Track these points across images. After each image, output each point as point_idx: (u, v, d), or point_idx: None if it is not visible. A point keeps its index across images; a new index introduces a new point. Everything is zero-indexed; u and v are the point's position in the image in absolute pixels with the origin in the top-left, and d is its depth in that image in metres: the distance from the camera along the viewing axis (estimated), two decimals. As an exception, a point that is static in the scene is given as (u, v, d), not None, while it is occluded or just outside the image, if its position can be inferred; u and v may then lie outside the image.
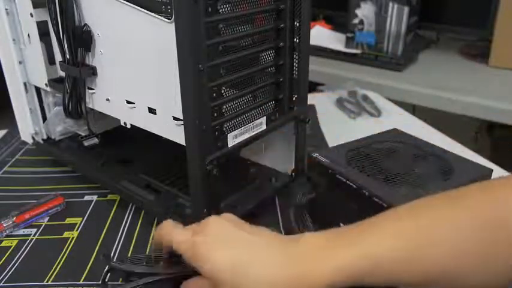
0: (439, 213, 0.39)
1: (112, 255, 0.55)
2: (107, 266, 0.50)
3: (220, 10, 0.46)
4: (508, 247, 0.36)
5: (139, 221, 0.62)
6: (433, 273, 0.37)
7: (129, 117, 0.57)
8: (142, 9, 0.47)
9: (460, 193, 0.40)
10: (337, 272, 0.36)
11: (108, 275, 0.50)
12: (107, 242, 0.58)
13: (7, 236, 0.59)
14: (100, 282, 0.50)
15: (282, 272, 0.37)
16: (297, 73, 0.58)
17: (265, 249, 0.40)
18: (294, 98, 0.59)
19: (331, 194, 0.56)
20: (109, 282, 0.50)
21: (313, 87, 1.39)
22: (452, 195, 0.41)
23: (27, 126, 0.74)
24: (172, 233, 0.43)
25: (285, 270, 0.37)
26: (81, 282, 0.51)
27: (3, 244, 0.58)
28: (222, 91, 0.50)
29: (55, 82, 0.65)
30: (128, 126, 0.57)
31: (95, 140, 0.70)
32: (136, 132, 0.56)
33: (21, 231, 0.60)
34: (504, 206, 0.37)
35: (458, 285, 0.37)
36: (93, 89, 0.60)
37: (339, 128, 0.89)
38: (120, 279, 0.50)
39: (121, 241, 0.58)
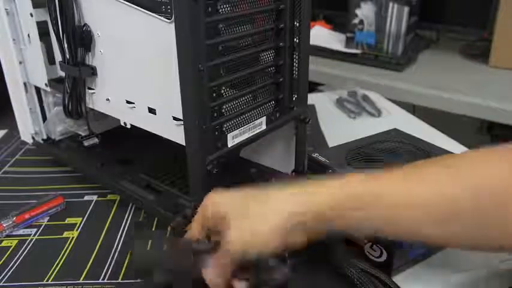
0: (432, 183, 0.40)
1: (112, 255, 0.55)
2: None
3: (220, 10, 0.46)
4: (501, 216, 0.38)
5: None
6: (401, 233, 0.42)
7: (129, 117, 0.57)
8: (143, 9, 0.47)
9: (456, 161, 0.43)
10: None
11: None
12: (107, 242, 0.58)
13: (7, 236, 0.59)
14: None
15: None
16: (297, 73, 0.58)
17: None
18: (294, 98, 0.59)
19: (331, 194, 0.55)
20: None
21: (313, 87, 1.39)
22: (449, 162, 0.43)
23: (27, 126, 0.74)
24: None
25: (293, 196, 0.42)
26: (81, 281, 0.51)
27: (3, 244, 0.58)
28: (222, 91, 0.50)
29: (55, 82, 0.65)
30: (128, 126, 0.57)
31: (95, 140, 0.70)
32: (136, 132, 0.56)
33: (21, 231, 0.60)
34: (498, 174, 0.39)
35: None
36: (93, 89, 0.60)
37: (339, 128, 0.89)
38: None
39: (121, 241, 0.58)
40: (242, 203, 0.43)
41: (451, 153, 0.59)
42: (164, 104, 0.51)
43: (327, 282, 0.50)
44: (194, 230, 0.46)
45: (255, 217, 0.41)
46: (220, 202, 0.44)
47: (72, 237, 0.59)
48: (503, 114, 1.12)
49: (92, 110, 0.62)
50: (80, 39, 0.56)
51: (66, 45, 0.57)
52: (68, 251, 0.56)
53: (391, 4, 1.32)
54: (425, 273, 0.52)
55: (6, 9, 0.64)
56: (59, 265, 0.54)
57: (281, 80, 0.56)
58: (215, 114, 0.49)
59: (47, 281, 0.52)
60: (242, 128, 0.53)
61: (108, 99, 0.58)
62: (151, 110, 0.53)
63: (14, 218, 0.60)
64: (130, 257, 0.52)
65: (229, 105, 0.51)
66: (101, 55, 0.56)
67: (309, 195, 0.42)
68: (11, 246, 0.57)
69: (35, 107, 0.72)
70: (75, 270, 0.53)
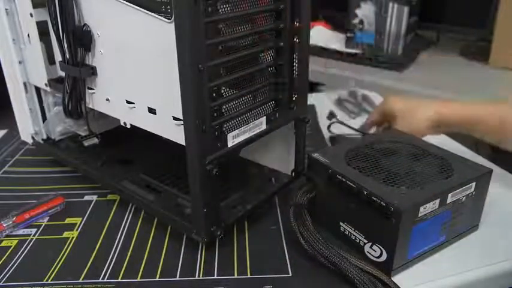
0: None
1: (112, 255, 0.55)
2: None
3: (220, 10, 0.46)
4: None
5: (139, 221, 0.62)
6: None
7: (129, 117, 0.57)
8: (142, 9, 0.47)
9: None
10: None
11: None
12: (106, 242, 0.58)
13: (7, 236, 0.59)
14: None
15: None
16: (297, 73, 0.58)
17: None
18: (294, 98, 0.59)
19: (331, 193, 0.56)
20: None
21: (313, 87, 1.39)
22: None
23: (27, 126, 0.74)
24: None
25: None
26: (80, 280, 0.51)
27: (3, 244, 0.58)
28: (222, 91, 0.50)
29: (55, 82, 0.65)
30: (128, 126, 0.57)
31: (95, 140, 0.70)
32: (137, 132, 0.56)
33: (21, 231, 0.60)
34: None
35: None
36: (93, 89, 0.60)
37: (339, 128, 0.89)
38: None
39: (121, 241, 0.58)
40: (407, 108, 0.72)
41: (451, 153, 0.59)
42: (164, 104, 0.51)
43: (327, 282, 0.50)
44: (374, 115, 0.81)
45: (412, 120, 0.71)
46: (394, 104, 0.74)
47: (72, 237, 0.59)
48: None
49: (92, 110, 0.62)
50: (80, 39, 0.56)
51: (66, 45, 0.57)
52: (67, 251, 0.56)
53: (391, 4, 1.32)
54: (425, 273, 0.52)
55: (6, 9, 0.64)
56: (59, 265, 0.54)
57: (281, 80, 0.56)
58: (215, 114, 0.49)
59: (47, 280, 0.52)
60: (242, 128, 0.53)
61: (108, 99, 0.58)
62: (151, 110, 0.53)
63: (14, 218, 0.60)
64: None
65: (229, 105, 0.51)
66: (101, 55, 0.56)
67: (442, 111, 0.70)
68: (11, 246, 0.57)
69: (35, 107, 0.72)
70: (75, 270, 0.53)
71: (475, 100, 0.72)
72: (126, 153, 0.72)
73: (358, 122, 0.94)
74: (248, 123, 0.54)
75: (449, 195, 0.51)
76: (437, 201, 0.50)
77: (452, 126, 0.70)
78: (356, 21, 1.40)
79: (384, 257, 0.50)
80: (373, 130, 0.82)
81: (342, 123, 0.90)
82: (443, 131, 0.76)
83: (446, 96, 1.17)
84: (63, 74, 0.61)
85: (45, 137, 0.75)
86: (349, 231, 0.54)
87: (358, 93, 1.05)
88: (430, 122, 0.70)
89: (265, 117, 0.56)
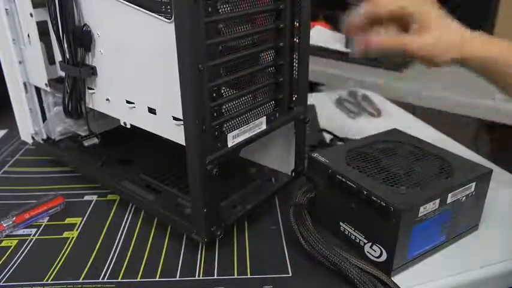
0: None
1: (112, 255, 0.55)
2: None
3: (220, 10, 0.46)
4: None
5: (139, 221, 0.62)
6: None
7: (129, 117, 0.57)
8: (142, 9, 0.47)
9: None
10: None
11: None
12: (106, 242, 0.58)
13: (7, 236, 0.59)
14: None
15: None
16: (297, 73, 0.58)
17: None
18: (294, 98, 0.59)
19: (331, 193, 0.56)
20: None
21: (313, 87, 1.39)
22: None
23: (27, 126, 0.74)
24: None
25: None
26: (80, 280, 0.51)
27: (3, 244, 0.58)
28: (222, 91, 0.50)
29: (55, 82, 0.65)
30: (128, 126, 0.57)
31: (95, 140, 0.70)
32: (137, 132, 0.56)
33: (21, 231, 0.60)
34: None
35: None
36: (93, 89, 0.60)
37: (339, 128, 0.89)
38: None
39: (121, 241, 0.58)
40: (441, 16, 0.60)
41: (451, 153, 0.59)
42: (164, 104, 0.51)
43: (327, 283, 0.50)
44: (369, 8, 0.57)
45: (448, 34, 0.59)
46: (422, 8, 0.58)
47: (72, 237, 0.59)
48: (503, 114, 1.12)
49: (92, 110, 0.62)
50: (80, 39, 0.56)
51: (66, 45, 0.57)
52: (67, 251, 0.56)
53: (391, 4, 1.32)
54: (425, 273, 0.52)
55: (6, 9, 0.64)
56: (59, 265, 0.54)
57: (281, 80, 0.56)
58: (215, 114, 0.49)
59: (47, 280, 0.52)
60: (242, 128, 0.53)
61: (108, 99, 0.58)
62: (151, 110, 0.53)
63: (14, 218, 0.60)
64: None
65: (229, 105, 0.51)
66: (101, 55, 0.56)
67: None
68: (11, 246, 0.57)
69: (35, 107, 0.72)
70: (75, 270, 0.53)
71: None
72: (126, 153, 0.72)
73: (358, 122, 0.94)
74: (248, 123, 0.54)
75: (449, 195, 0.51)
76: (437, 201, 0.50)
77: (477, 61, 0.59)
78: (356, 21, 1.39)
79: (384, 257, 0.50)
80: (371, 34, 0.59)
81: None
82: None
83: (446, 96, 1.18)
84: (63, 74, 0.61)
85: (45, 137, 0.75)
86: (349, 231, 0.54)
87: (358, 93, 1.05)
88: (459, 47, 0.58)
89: (265, 117, 0.56)
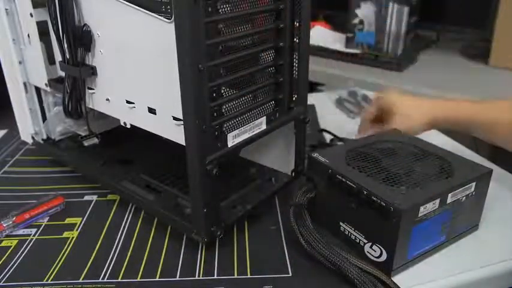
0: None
1: (112, 255, 0.55)
2: None
3: (220, 10, 0.46)
4: None
5: (139, 221, 0.62)
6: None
7: (129, 117, 0.57)
8: (142, 9, 0.47)
9: None
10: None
11: None
12: (106, 242, 0.58)
13: (7, 236, 0.59)
14: None
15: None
16: (297, 73, 0.58)
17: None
18: (294, 98, 0.59)
19: (331, 193, 0.56)
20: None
21: (313, 87, 1.39)
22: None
23: (27, 126, 0.74)
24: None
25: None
26: (80, 280, 0.51)
27: (3, 244, 0.58)
28: (222, 91, 0.50)
29: (55, 82, 0.65)
30: (128, 126, 0.57)
31: (95, 140, 0.70)
32: (137, 132, 0.56)
33: (21, 231, 0.60)
34: None
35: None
36: (93, 89, 0.60)
37: (339, 128, 0.89)
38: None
39: (121, 241, 0.58)
40: (405, 105, 0.72)
41: (451, 153, 0.59)
42: (164, 104, 0.51)
43: (327, 282, 0.50)
44: (371, 109, 0.77)
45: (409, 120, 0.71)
46: (393, 98, 0.73)
47: (72, 237, 0.59)
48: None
49: (92, 110, 0.62)
50: (80, 39, 0.56)
51: (66, 45, 0.57)
52: (67, 251, 0.56)
53: (391, 4, 1.32)
54: (425, 273, 0.52)
55: (6, 9, 0.64)
56: (59, 265, 0.54)
57: (281, 80, 0.56)
58: (215, 114, 0.49)
59: (47, 280, 0.52)
60: (242, 128, 0.53)
61: (108, 99, 0.58)
62: (151, 110, 0.53)
63: (14, 218, 0.60)
64: None
65: (229, 105, 0.51)
66: (101, 55, 0.56)
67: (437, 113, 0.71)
68: (11, 246, 0.57)
69: (35, 107, 0.72)
70: (75, 270, 0.53)
71: (473, 99, 0.73)
72: (126, 153, 0.72)
73: (358, 122, 0.94)
74: (248, 123, 0.54)
75: (449, 195, 0.51)
76: (437, 201, 0.50)
77: (447, 126, 0.72)
78: (356, 21, 1.39)
79: (384, 257, 0.50)
80: (368, 132, 0.74)
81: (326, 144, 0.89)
82: (439, 128, 0.78)
83: (446, 96, 1.17)
84: (63, 74, 0.61)
85: (45, 137, 0.75)
86: (349, 231, 0.54)
87: (358, 93, 1.05)
88: (425, 123, 0.71)
89: (265, 117, 0.56)
